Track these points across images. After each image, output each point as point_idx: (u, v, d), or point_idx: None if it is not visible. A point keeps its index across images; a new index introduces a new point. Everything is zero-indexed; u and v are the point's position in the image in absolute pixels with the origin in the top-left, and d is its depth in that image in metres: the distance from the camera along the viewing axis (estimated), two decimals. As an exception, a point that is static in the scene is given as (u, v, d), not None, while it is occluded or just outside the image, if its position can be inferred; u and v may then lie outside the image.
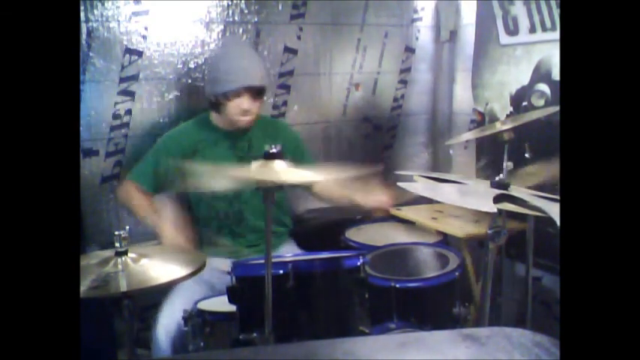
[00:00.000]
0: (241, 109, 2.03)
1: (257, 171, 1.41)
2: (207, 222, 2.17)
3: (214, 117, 2.15)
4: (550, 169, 1.83)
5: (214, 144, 2.13)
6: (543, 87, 2.35)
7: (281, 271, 1.52)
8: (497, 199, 1.37)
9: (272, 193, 1.38)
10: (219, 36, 2.38)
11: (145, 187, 2.11)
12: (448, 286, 1.87)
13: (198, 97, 2.37)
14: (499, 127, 2.00)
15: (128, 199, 2.13)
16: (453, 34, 2.93)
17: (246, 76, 2.01)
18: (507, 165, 1.92)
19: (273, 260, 1.46)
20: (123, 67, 2.21)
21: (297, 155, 2.21)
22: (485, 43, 2.63)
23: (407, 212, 2.50)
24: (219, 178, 1.50)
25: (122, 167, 2.28)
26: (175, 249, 1.84)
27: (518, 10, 2.43)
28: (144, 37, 2.23)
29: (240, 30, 2.43)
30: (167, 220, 2.05)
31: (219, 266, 1.97)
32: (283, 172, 1.39)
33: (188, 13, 2.32)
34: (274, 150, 1.42)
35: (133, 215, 2.13)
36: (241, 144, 2.14)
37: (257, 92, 2.05)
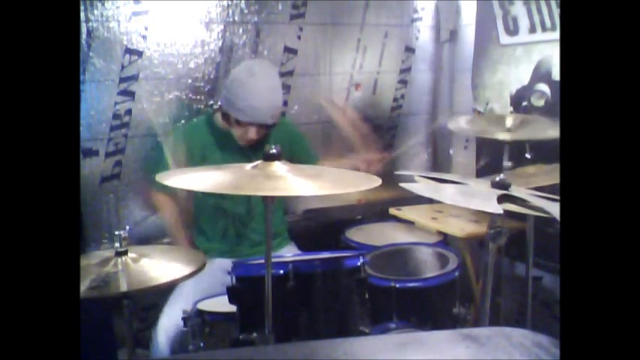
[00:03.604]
0: (247, 136, 2.05)
1: (253, 174, 1.41)
2: (214, 221, 2.17)
3: (220, 119, 2.15)
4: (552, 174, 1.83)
5: (222, 147, 2.13)
6: (543, 87, 2.35)
7: (281, 272, 1.52)
8: (499, 200, 1.37)
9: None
10: (219, 36, 2.38)
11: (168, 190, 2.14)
12: (448, 286, 1.87)
13: (198, 97, 2.37)
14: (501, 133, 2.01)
15: (157, 203, 2.21)
16: (453, 34, 2.93)
17: (261, 115, 2.00)
18: (507, 165, 1.92)
19: (274, 260, 1.46)
20: (123, 67, 2.21)
21: (301, 154, 2.25)
22: (485, 43, 2.63)
23: (407, 212, 2.50)
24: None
25: (122, 167, 2.28)
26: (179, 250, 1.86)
27: (518, 10, 2.43)
28: (144, 37, 2.23)
29: (240, 30, 2.43)
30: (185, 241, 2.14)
31: (220, 266, 1.97)
32: (275, 181, 1.37)
33: (188, 13, 2.32)
34: (274, 151, 1.42)
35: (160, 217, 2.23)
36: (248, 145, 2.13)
37: (267, 126, 2.06)
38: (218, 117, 2.15)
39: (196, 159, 2.10)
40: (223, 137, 2.13)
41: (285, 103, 2.59)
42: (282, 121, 2.36)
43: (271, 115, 2.03)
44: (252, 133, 2.03)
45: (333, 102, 2.30)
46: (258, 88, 2.00)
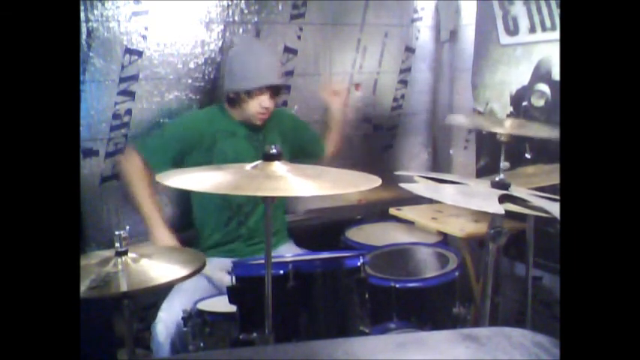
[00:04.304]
0: (261, 107, 2.09)
1: (253, 174, 1.41)
2: (219, 212, 2.18)
3: (229, 109, 2.19)
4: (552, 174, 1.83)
5: (232, 134, 2.17)
6: (543, 87, 2.35)
7: (281, 271, 1.52)
8: (499, 200, 1.37)
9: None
10: (219, 36, 2.38)
11: (150, 162, 2.10)
12: (448, 286, 1.87)
13: (198, 98, 2.37)
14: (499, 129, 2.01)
15: (130, 172, 2.14)
16: (453, 34, 2.93)
17: (269, 74, 2.10)
18: (504, 165, 1.92)
19: (274, 260, 1.46)
20: (123, 67, 2.21)
21: (308, 140, 2.37)
22: (485, 43, 2.63)
23: (407, 212, 2.50)
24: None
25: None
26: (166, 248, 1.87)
27: (518, 10, 2.43)
28: (144, 37, 2.23)
29: (240, 30, 2.43)
30: (160, 221, 2.11)
31: (219, 266, 1.97)
32: (275, 181, 1.37)
33: (188, 13, 2.31)
34: (274, 151, 1.42)
35: (130, 195, 2.14)
36: (257, 135, 2.19)
37: (276, 91, 2.14)
38: (226, 107, 2.20)
39: (206, 143, 2.13)
40: (234, 126, 2.18)
41: (285, 103, 2.59)
42: (283, 111, 2.44)
43: (276, 74, 2.14)
44: (266, 101, 2.09)
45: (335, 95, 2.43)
46: (257, 54, 2.13)
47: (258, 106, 2.09)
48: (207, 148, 2.12)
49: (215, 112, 2.22)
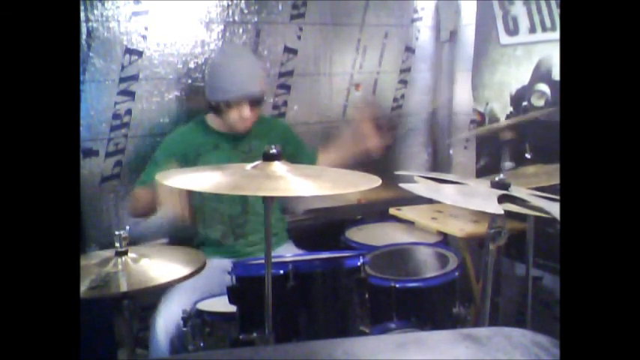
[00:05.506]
0: (241, 117, 2.07)
1: (253, 174, 1.41)
2: (211, 224, 2.18)
3: (213, 120, 2.17)
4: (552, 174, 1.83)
5: (215, 147, 2.15)
6: (543, 87, 2.35)
7: (281, 271, 1.52)
8: (499, 200, 1.36)
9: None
10: (219, 36, 2.38)
11: (151, 189, 2.11)
12: (448, 286, 1.87)
13: (198, 97, 2.37)
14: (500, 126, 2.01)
15: (136, 204, 2.16)
16: (453, 34, 2.93)
17: (247, 86, 2.05)
18: (506, 165, 1.92)
19: (273, 260, 1.46)
20: (123, 67, 2.21)
21: (297, 155, 2.25)
22: (485, 43, 2.63)
23: (407, 212, 2.50)
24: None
25: (122, 167, 2.28)
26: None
27: (518, 10, 2.43)
28: (144, 37, 2.23)
29: (240, 30, 2.43)
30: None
31: (219, 267, 1.97)
32: (275, 181, 1.37)
33: (188, 13, 2.31)
34: (274, 151, 1.42)
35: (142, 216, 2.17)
36: (242, 145, 2.16)
37: (257, 100, 2.09)
38: (210, 118, 2.17)
39: (191, 159, 2.12)
40: (216, 138, 2.16)
41: (285, 103, 2.59)
42: (276, 122, 2.39)
43: (256, 84, 2.08)
44: (246, 111, 2.06)
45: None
46: (234, 64, 2.09)
47: (238, 116, 2.07)
48: (191, 164, 2.10)
49: (195, 127, 2.20)
